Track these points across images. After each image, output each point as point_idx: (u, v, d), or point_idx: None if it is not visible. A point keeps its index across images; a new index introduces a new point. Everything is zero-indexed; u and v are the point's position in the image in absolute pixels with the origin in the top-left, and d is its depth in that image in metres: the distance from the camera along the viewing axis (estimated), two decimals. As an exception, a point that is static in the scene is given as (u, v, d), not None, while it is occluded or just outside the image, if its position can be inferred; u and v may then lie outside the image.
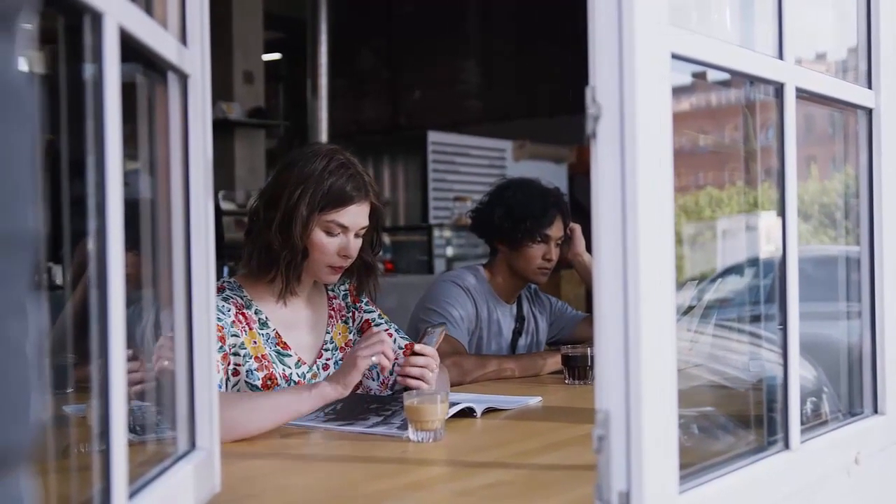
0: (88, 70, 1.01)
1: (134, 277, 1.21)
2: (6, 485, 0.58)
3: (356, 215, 2.22)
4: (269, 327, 2.23)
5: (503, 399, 2.31)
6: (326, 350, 2.34)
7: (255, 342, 2.19)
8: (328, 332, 2.36)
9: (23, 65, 0.61)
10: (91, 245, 1.00)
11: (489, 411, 2.20)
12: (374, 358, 1.99)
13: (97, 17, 0.99)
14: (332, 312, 2.39)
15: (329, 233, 2.20)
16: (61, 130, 1.02)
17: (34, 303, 0.60)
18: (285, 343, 2.25)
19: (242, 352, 2.16)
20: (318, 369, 2.30)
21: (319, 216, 2.18)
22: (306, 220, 2.17)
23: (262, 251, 2.21)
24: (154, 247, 1.35)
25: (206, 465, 1.38)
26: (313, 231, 2.19)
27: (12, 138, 0.56)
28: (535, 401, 2.37)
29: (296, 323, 2.30)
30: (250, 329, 2.20)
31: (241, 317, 2.19)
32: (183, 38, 1.35)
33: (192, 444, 1.37)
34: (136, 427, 1.34)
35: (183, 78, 1.34)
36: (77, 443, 1.40)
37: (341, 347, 2.37)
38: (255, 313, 2.23)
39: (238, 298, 2.22)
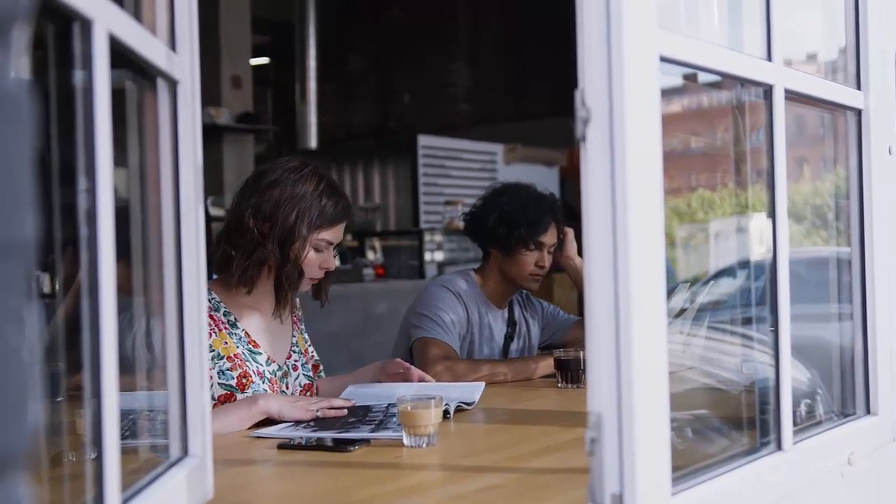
0: (78, 76, 1.00)
1: (124, 286, 1.20)
2: (5, 489, 0.58)
3: (341, 232, 2.36)
4: (238, 328, 2.31)
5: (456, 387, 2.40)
6: (294, 352, 2.45)
7: (225, 343, 2.26)
8: (293, 336, 2.47)
9: (19, 72, 0.61)
10: (82, 252, 1.00)
11: (461, 410, 2.24)
12: (319, 413, 2.14)
13: (87, 24, 0.99)
14: (296, 320, 2.51)
15: (317, 249, 2.32)
16: (50, 137, 1.01)
17: (31, 309, 0.61)
18: (255, 342, 2.33)
19: (211, 353, 2.21)
20: (288, 368, 2.41)
21: (314, 235, 2.29)
22: (305, 240, 2.27)
23: (255, 266, 2.27)
24: (144, 254, 1.35)
25: (199, 471, 1.38)
26: (309, 250, 2.29)
27: (10, 146, 0.56)
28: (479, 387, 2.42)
29: (265, 327, 2.38)
30: (220, 331, 2.27)
31: (209, 319, 2.23)
32: (172, 44, 1.34)
33: (185, 451, 1.37)
34: (126, 433, 1.33)
35: (172, 84, 1.34)
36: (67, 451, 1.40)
37: (304, 352, 2.49)
38: (224, 315, 2.30)
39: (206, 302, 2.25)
